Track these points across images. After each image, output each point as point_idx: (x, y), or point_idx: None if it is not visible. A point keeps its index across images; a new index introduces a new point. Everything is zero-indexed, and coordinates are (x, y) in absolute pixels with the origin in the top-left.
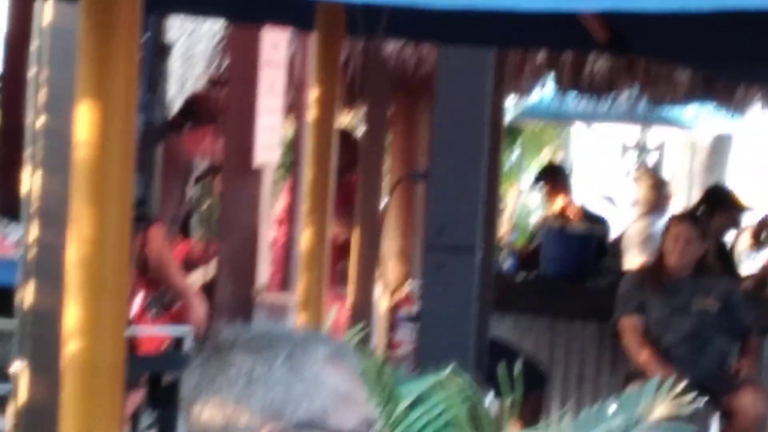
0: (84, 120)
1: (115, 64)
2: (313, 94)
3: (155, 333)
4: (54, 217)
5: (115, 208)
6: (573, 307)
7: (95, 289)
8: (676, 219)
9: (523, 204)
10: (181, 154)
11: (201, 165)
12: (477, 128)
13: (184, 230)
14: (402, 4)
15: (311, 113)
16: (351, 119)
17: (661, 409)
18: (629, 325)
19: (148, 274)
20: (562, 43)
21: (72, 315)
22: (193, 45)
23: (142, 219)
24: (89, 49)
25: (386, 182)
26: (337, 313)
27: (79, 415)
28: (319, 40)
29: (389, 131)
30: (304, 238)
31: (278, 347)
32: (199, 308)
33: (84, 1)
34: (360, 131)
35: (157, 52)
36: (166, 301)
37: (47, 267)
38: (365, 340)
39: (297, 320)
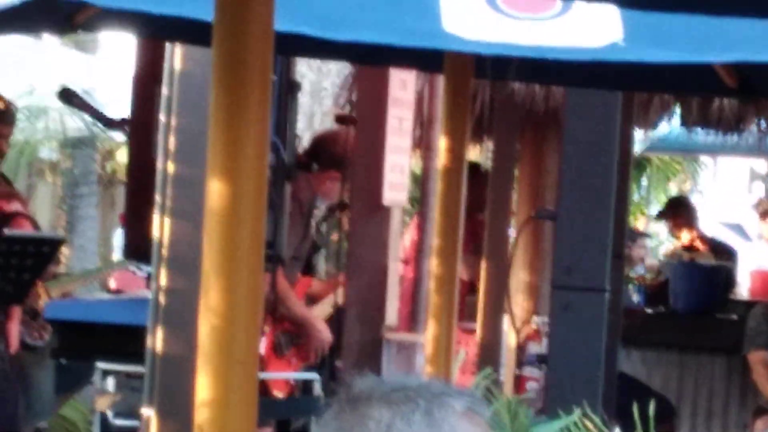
0: (216, 167)
1: (246, 108)
2: (442, 136)
3: (285, 377)
4: (184, 264)
5: (245, 278)
6: (701, 341)
7: (227, 359)
8: None
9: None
10: (305, 192)
11: (325, 203)
12: (605, 170)
13: (308, 267)
14: (530, 55)
15: (441, 156)
16: (479, 154)
17: None
18: (758, 359)
19: (276, 312)
20: (689, 87)
21: (204, 384)
22: (321, 80)
23: (270, 259)
24: (221, 92)
25: (514, 216)
26: (465, 349)
27: None
28: (447, 84)
29: (517, 165)
30: (434, 276)
31: (417, 401)
32: (321, 334)
33: (216, 45)
34: (488, 166)
35: (287, 89)
36: (294, 336)
37: (177, 314)
38: (496, 382)
39: (425, 359)
